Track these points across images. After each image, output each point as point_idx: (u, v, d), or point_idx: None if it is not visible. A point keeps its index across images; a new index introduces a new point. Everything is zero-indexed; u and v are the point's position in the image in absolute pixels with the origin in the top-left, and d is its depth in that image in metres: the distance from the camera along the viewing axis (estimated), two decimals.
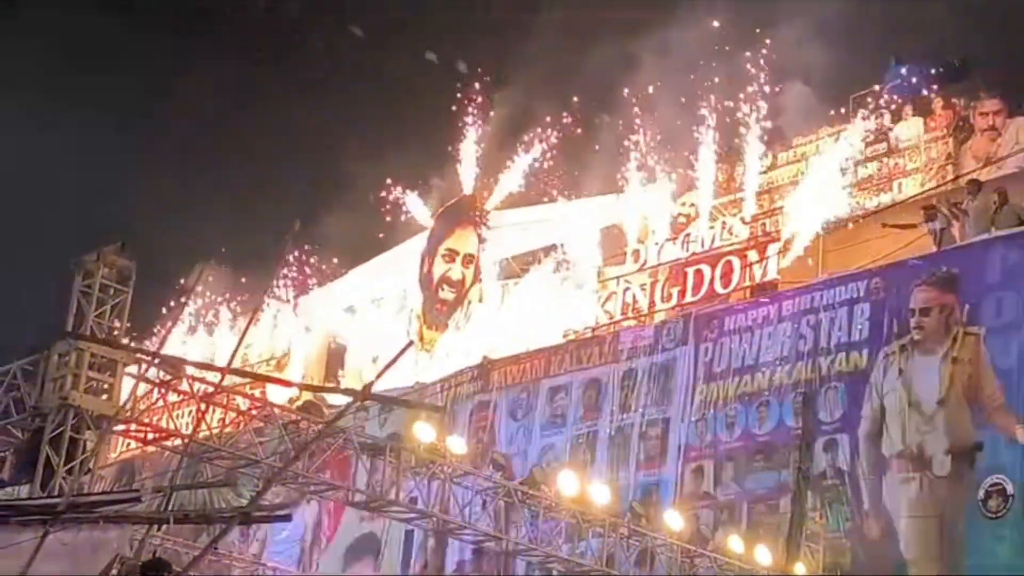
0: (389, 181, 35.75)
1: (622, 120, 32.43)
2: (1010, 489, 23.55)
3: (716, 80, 30.71)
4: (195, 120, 46.79)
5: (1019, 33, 29.63)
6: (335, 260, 37.51)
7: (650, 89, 32.05)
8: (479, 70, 35.83)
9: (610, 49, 33.93)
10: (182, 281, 36.31)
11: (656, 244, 30.62)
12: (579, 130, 33.81)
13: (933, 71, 29.44)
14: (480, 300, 33.35)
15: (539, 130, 33.89)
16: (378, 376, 17.61)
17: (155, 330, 35.38)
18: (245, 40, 48.88)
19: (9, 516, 13.96)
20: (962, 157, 27.88)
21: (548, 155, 33.77)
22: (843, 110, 29.84)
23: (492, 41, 38.24)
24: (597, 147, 33.20)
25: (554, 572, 24.30)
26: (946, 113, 28.50)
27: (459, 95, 35.22)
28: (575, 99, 33.94)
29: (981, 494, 23.83)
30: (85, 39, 46.61)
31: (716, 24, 31.37)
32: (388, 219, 35.93)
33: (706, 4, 31.75)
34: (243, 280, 37.69)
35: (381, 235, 36.39)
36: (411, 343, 27.11)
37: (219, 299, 38.18)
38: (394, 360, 18.86)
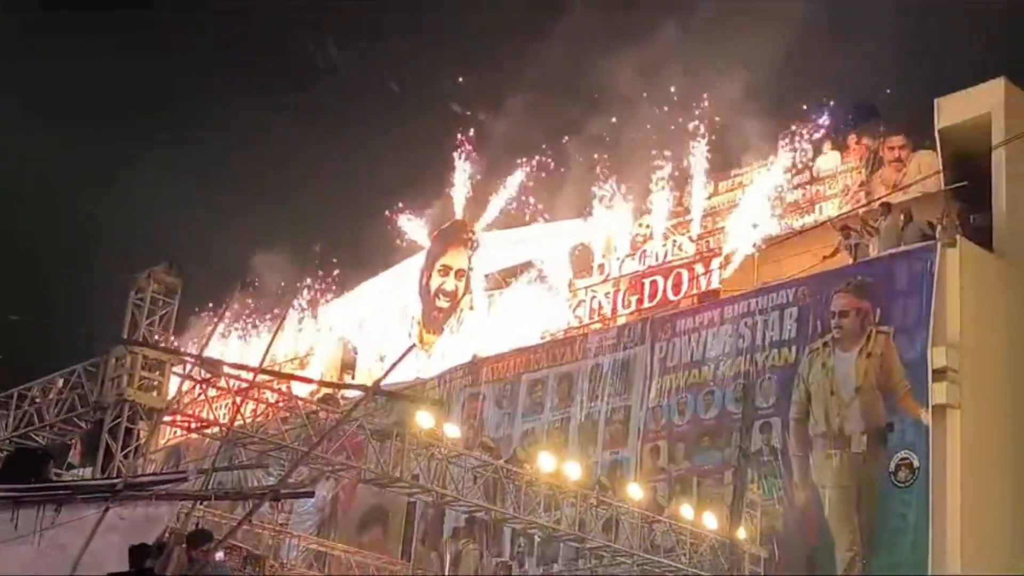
0: (397, 206, 35.89)
1: (590, 157, 32.51)
2: (916, 463, 23.66)
3: (670, 127, 30.85)
4: (230, 156, 46.64)
5: (918, 83, 29.74)
6: (348, 275, 37.63)
7: (613, 120, 32.27)
8: (468, 113, 35.82)
9: (582, 100, 34.12)
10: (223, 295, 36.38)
11: (618, 259, 30.66)
12: (553, 164, 33.80)
13: (849, 114, 29.49)
14: (471, 308, 33.31)
15: (520, 164, 33.90)
16: (385, 374, 17.64)
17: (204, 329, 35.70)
18: (277, 88, 48.75)
19: (76, 494, 14.01)
20: (873, 184, 27.92)
21: (527, 185, 33.78)
22: (776, 145, 29.81)
23: (482, 89, 38.18)
24: (568, 179, 33.19)
25: (535, 536, 24.43)
26: (859, 148, 28.53)
27: (456, 134, 35.26)
28: (550, 140, 33.95)
29: (892, 467, 23.95)
30: (126, 83, 46.48)
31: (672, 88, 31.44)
32: (396, 241, 36.07)
33: (661, 68, 31.82)
34: (279, 289, 37.87)
35: (387, 254, 36.41)
36: (413, 346, 27.14)
37: (246, 314, 38.17)
38: (399, 360, 19.05)
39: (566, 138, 33.40)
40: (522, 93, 35.42)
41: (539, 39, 36.99)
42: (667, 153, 30.66)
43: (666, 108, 31.03)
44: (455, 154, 34.90)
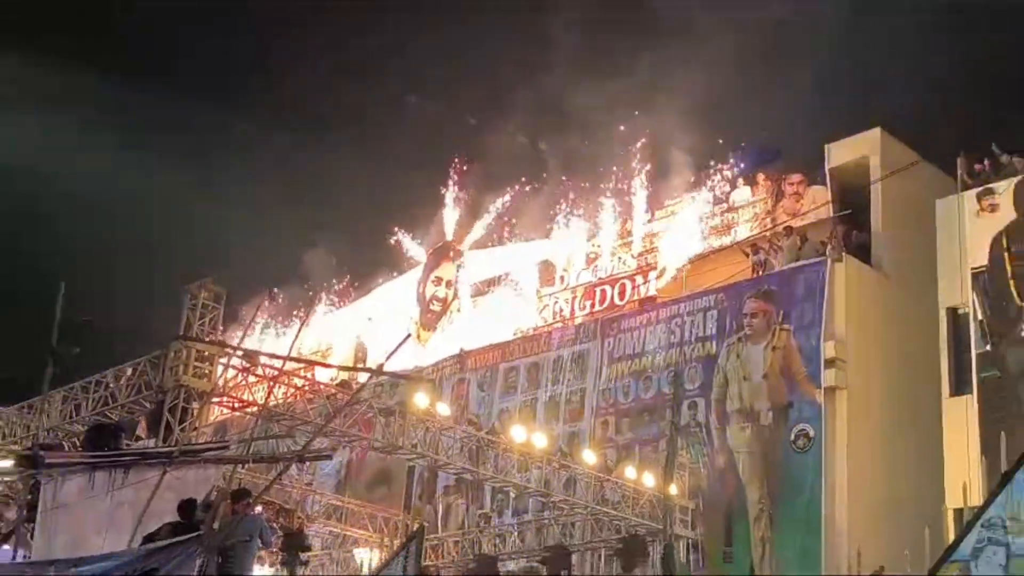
0: (396, 231, 35.95)
1: (553, 191, 32.63)
2: (811, 433, 23.82)
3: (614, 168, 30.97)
4: (264, 188, 46.43)
5: (812, 131, 29.81)
6: (361, 284, 37.67)
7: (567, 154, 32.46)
8: (455, 157, 35.77)
9: (550, 141, 34.32)
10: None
11: (575, 272, 30.75)
12: (523, 197, 33.87)
13: (757, 157, 29.59)
14: (458, 311, 33.37)
15: (497, 196, 34.02)
16: (388, 357, 17.83)
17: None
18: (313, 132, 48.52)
19: (140, 460, 14.06)
20: (777, 212, 28.03)
21: (502, 214, 33.87)
22: (701, 181, 29.91)
23: (467, 131, 38.28)
24: (535, 209, 33.25)
25: (510, 493, 24.48)
26: (766, 183, 28.66)
27: (448, 172, 35.27)
28: (523, 176, 34.04)
29: (792, 436, 24.12)
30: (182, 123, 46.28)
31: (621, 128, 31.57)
32: (401, 257, 36.18)
33: (610, 119, 31.99)
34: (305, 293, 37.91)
35: (392, 268, 36.45)
36: (409, 335, 27.11)
37: (279, 314, 38.17)
38: (399, 346, 19.17)
39: (526, 183, 33.40)
40: (499, 139, 35.64)
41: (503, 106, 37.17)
42: (613, 187, 30.78)
43: (616, 149, 31.23)
44: (445, 190, 34.89)
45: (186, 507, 12.93)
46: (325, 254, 37.93)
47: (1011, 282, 22.87)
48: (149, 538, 12.75)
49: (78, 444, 18.55)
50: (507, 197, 33.67)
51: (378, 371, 19.02)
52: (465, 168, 34.98)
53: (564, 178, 32.19)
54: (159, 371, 18.66)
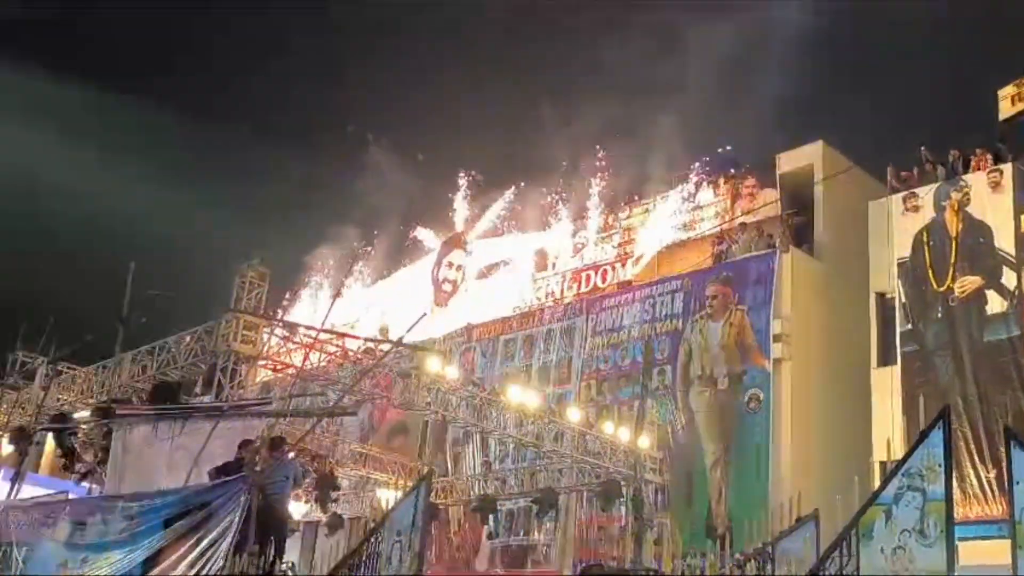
0: (415, 225, 35.86)
1: (547, 190, 32.52)
2: (761, 396, 23.80)
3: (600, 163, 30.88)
4: (294, 189, 46.34)
5: (765, 142, 29.77)
6: (387, 267, 37.54)
7: (564, 164, 32.37)
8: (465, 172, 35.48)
9: (544, 150, 34.19)
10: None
11: (565, 259, 30.66)
12: (523, 196, 33.78)
13: (719, 163, 29.51)
14: (466, 291, 33.33)
15: (500, 194, 33.95)
16: (408, 330, 17.84)
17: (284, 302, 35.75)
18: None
19: (196, 412, 14.05)
20: (735, 211, 27.95)
21: (504, 209, 33.78)
22: (672, 183, 29.85)
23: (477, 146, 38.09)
24: (533, 206, 33.15)
25: (509, 443, 24.42)
26: (726, 186, 28.58)
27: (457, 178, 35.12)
28: (520, 178, 33.94)
29: (745, 399, 24.07)
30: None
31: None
32: (418, 245, 36.00)
33: (596, 129, 31.95)
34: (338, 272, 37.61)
35: (412, 255, 36.26)
36: (425, 314, 26.98)
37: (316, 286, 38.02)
38: (416, 322, 19.12)
39: (522, 184, 33.29)
40: (499, 146, 35.54)
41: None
42: (599, 186, 30.71)
43: (600, 155, 31.13)
44: (455, 193, 34.71)
45: (243, 446, 13.02)
46: (356, 241, 37.72)
47: (929, 271, 22.81)
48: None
49: (144, 399, 18.55)
50: (509, 197, 33.58)
51: (398, 343, 18.95)
52: (472, 176, 34.80)
53: (557, 188, 32.10)
54: (213, 338, 18.61)
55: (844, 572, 8.93)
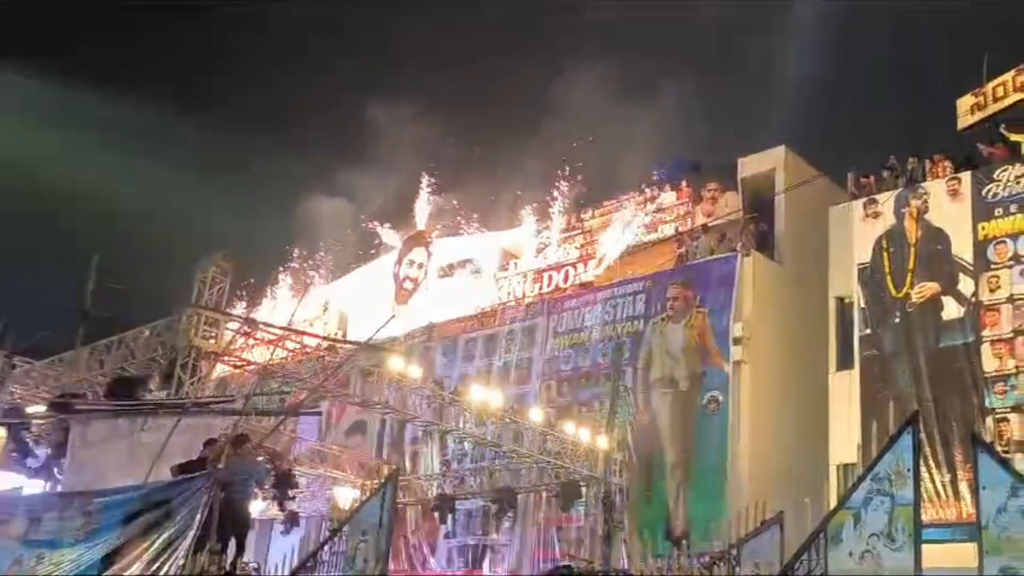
0: (376, 222, 35.55)
1: (512, 190, 32.46)
2: (721, 399, 23.85)
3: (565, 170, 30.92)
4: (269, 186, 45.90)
5: (728, 146, 29.97)
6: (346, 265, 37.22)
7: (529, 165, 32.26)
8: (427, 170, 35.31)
9: (501, 157, 34.14)
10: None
11: (527, 259, 30.56)
12: (486, 194, 33.70)
13: (681, 167, 29.57)
14: (427, 289, 33.13)
15: (462, 194, 33.83)
16: (372, 335, 17.71)
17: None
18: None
19: (158, 408, 13.84)
20: (697, 214, 28.06)
21: (468, 208, 33.68)
22: (634, 186, 29.98)
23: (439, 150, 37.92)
24: (496, 204, 33.12)
25: (467, 443, 24.31)
26: (688, 189, 28.63)
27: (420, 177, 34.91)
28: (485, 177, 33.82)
29: (705, 401, 24.12)
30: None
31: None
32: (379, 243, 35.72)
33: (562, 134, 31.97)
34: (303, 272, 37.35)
35: (372, 251, 35.97)
36: (394, 316, 26.83)
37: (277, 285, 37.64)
38: (383, 325, 19.01)
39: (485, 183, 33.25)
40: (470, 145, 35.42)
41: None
42: (563, 188, 30.77)
43: (564, 159, 31.17)
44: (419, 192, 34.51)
45: (208, 444, 12.92)
46: (316, 241, 37.39)
47: (888, 277, 23.03)
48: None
49: (101, 394, 18.25)
50: (471, 195, 33.46)
51: (365, 345, 18.80)
52: (435, 174, 34.64)
53: (520, 189, 32.11)
54: (173, 333, 18.36)
55: (813, 574, 8.96)
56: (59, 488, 15.27)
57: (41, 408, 18.34)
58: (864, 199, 23.91)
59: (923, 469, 20.59)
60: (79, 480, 13.89)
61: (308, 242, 37.33)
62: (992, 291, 21.40)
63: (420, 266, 33.47)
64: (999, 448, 19.02)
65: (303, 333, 20.29)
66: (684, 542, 19.30)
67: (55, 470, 17.26)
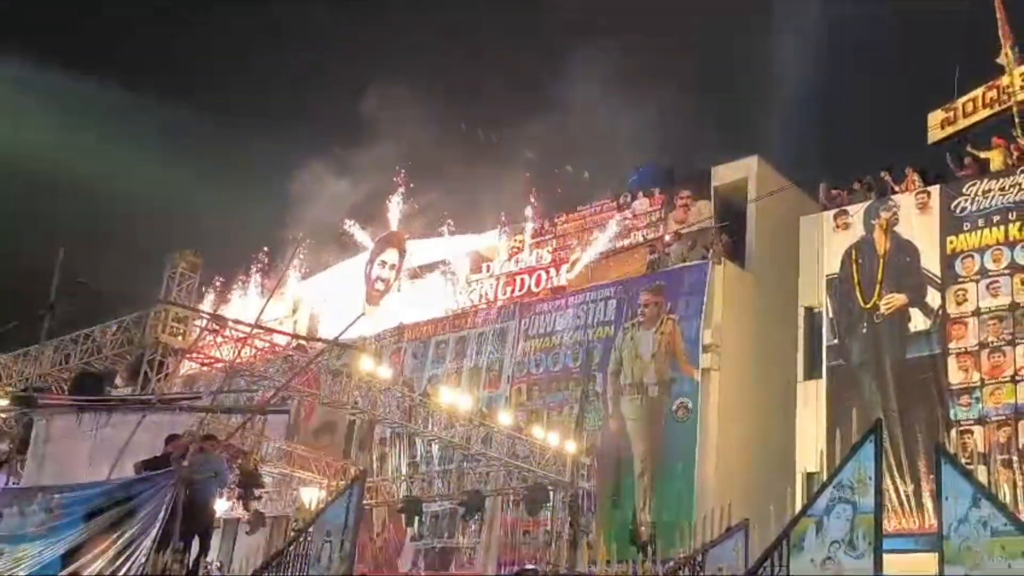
0: (349, 221, 35.38)
1: (485, 194, 32.48)
2: (690, 405, 23.91)
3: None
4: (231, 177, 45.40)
5: (701, 155, 30.15)
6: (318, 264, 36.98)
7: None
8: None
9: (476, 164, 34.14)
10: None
11: (499, 262, 30.55)
12: (459, 197, 33.68)
13: (653, 176, 29.62)
14: (399, 290, 33.00)
15: (435, 195, 33.78)
16: (342, 332, 17.63)
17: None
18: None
19: (123, 405, 13.72)
20: (669, 221, 28.12)
21: (441, 209, 33.63)
22: (607, 193, 30.06)
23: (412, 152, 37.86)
24: (469, 207, 33.14)
25: (436, 445, 24.26)
26: (660, 197, 28.67)
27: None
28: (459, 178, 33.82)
29: (673, 407, 24.17)
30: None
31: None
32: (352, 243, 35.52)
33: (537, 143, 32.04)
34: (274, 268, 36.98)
35: (345, 252, 35.81)
36: (363, 314, 26.74)
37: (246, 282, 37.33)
38: (352, 323, 18.90)
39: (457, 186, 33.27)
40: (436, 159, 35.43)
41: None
42: (536, 194, 30.85)
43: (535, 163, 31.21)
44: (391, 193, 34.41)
45: (170, 440, 12.78)
46: (287, 239, 37.12)
47: (857, 288, 23.20)
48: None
49: (66, 389, 18.08)
50: (443, 198, 33.43)
51: (334, 342, 18.74)
52: (407, 175, 34.52)
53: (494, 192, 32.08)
54: (141, 329, 18.24)
55: None
56: (21, 483, 15.10)
57: (4, 402, 18.13)
58: (835, 210, 24.10)
59: (887, 479, 20.89)
60: (42, 475, 13.74)
61: (280, 239, 37.20)
62: (959, 304, 21.61)
63: (392, 267, 33.37)
64: (963, 460, 19.21)
65: (272, 331, 20.15)
66: (650, 547, 19.30)
67: (17, 465, 17.09)
